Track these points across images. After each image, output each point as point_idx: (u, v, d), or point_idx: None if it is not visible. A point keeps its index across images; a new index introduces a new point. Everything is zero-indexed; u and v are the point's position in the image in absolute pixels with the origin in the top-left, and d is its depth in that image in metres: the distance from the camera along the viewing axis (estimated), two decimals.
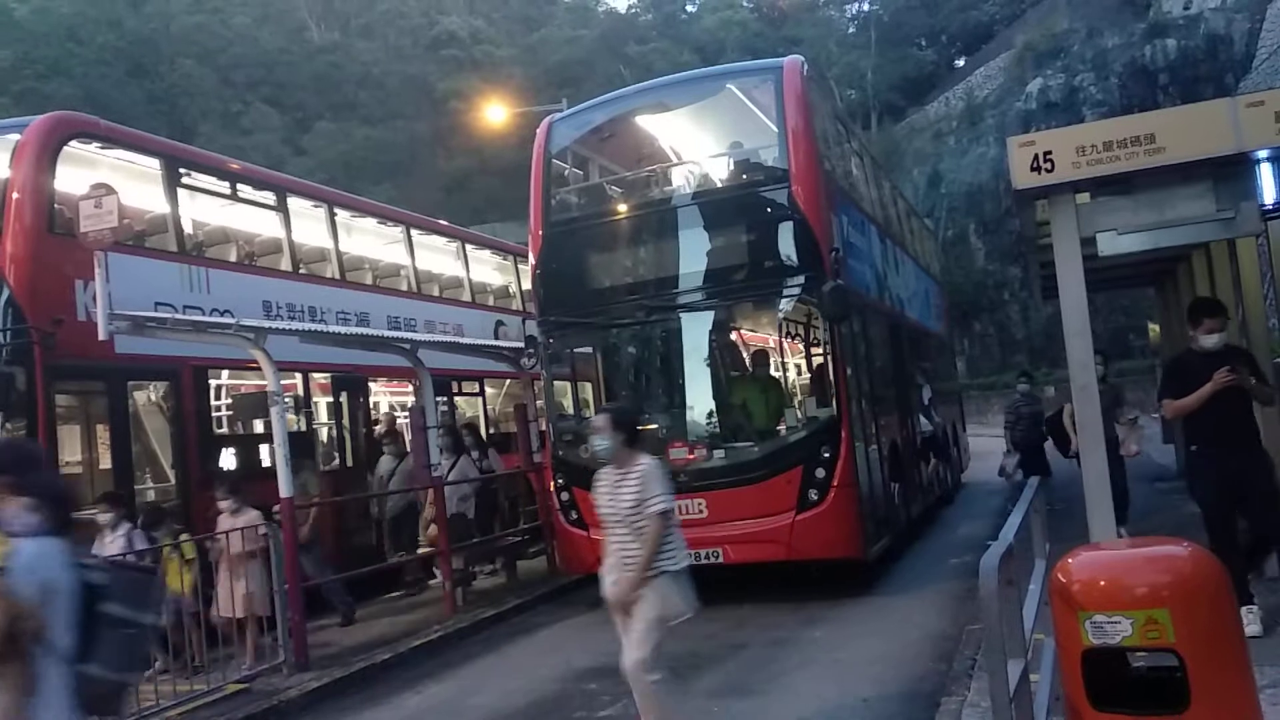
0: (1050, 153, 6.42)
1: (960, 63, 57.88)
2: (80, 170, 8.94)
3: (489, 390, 14.68)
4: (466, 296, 14.65)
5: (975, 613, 5.20)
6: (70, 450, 8.74)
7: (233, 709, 6.80)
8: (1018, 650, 3.51)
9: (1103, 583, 3.13)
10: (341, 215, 12.50)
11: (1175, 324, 12.50)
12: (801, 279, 9.03)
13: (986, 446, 20.53)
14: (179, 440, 9.27)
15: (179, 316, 8.55)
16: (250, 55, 58.31)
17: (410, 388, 12.71)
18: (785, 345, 10.55)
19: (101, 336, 7.49)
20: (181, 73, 54.46)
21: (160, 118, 46.36)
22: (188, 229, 10.13)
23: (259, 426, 10.16)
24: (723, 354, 9.71)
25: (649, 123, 11.34)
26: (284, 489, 7.84)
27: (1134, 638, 2.95)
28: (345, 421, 11.92)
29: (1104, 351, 9.55)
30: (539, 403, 11.27)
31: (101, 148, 9.41)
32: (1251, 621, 5.67)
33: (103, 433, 8.95)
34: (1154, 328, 19.84)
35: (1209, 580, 3.05)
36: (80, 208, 7.41)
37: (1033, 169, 6.46)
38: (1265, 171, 6.53)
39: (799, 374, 10.44)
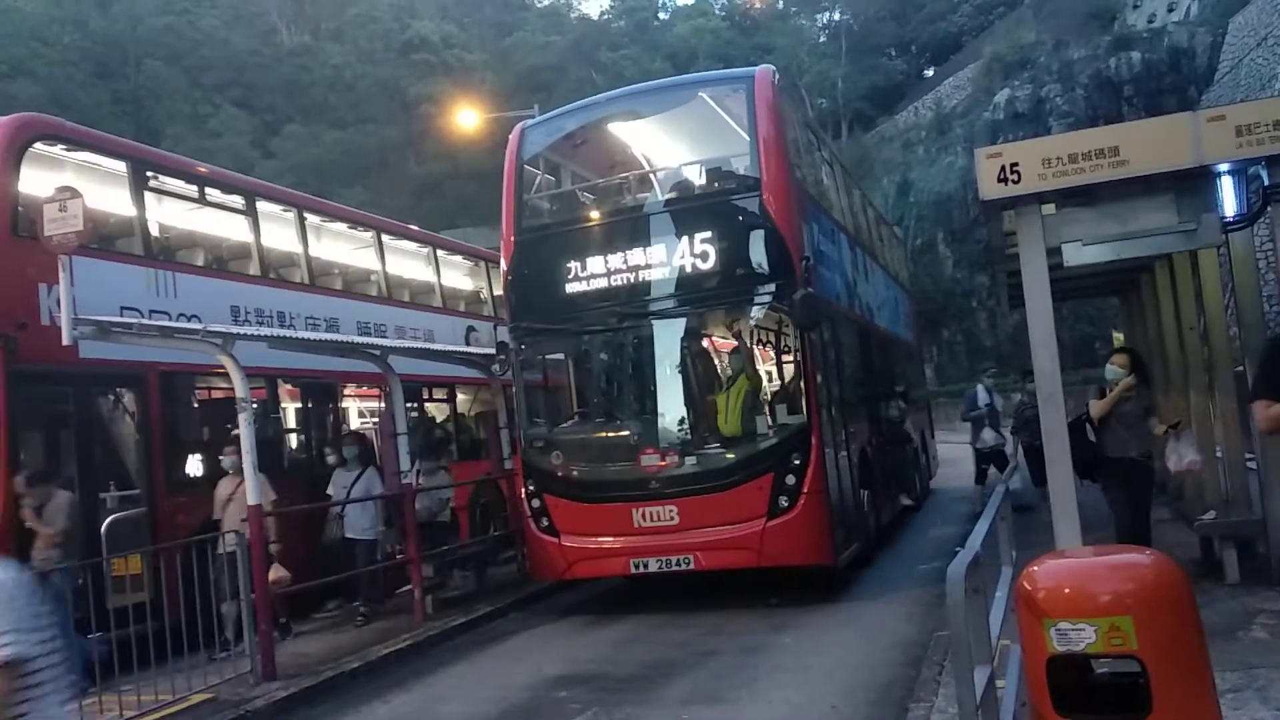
0: (1017, 164, 6.52)
1: (929, 73, 58.55)
2: (45, 172, 8.81)
3: (460, 397, 14.61)
4: (438, 302, 14.58)
5: (943, 619, 5.24)
6: (33, 457, 8.59)
7: (198, 718, 6.72)
8: (984, 657, 3.55)
9: (1067, 590, 3.17)
10: (311, 219, 12.40)
11: (1139, 333, 12.68)
12: (772, 287, 9.08)
13: (954, 453, 20.74)
14: (145, 447, 9.16)
15: (145, 321, 8.46)
16: (219, 58, 57.84)
17: (380, 394, 12.61)
18: (756, 353, 10.61)
19: (65, 341, 7.40)
20: (149, 74, 53.97)
21: (127, 119, 45.90)
22: (154, 232, 10.01)
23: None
24: (694, 361, 9.74)
25: (621, 130, 11.37)
26: (252, 496, 7.77)
27: (1098, 645, 2.99)
28: (313, 428, 11.82)
29: (1132, 350, 8.28)
30: (510, 408, 11.24)
31: (67, 149, 9.27)
32: None
33: (67, 439, 8.81)
34: (1118, 336, 20.09)
35: (1171, 588, 3.10)
36: (44, 211, 7.31)
37: (1000, 180, 6.55)
38: (1226, 184, 6.67)
39: (770, 381, 10.49)
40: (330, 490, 10.14)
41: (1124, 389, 7.47)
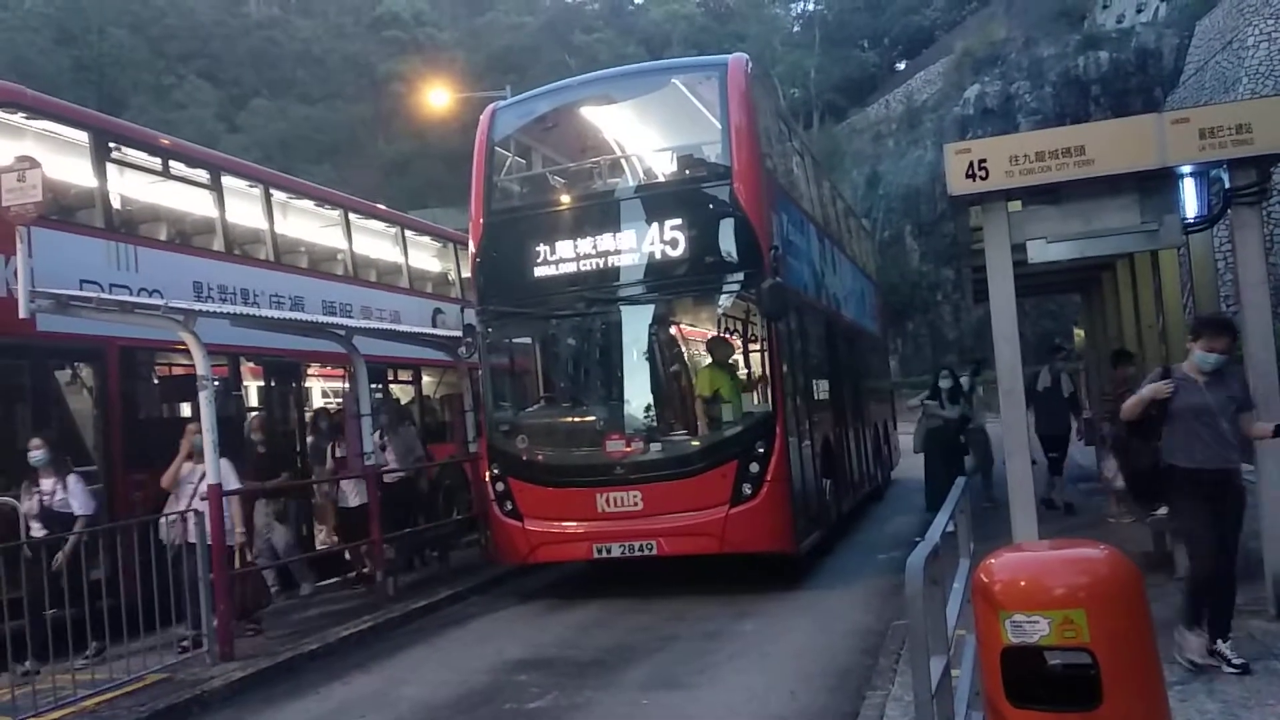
0: (985, 161, 6.59)
1: (901, 66, 58.77)
2: (4, 140, 8.63)
3: (426, 379, 14.53)
4: (405, 283, 14.48)
5: (901, 608, 5.31)
6: None
7: (154, 698, 6.66)
8: (940, 647, 3.61)
9: (1023, 583, 3.23)
10: (277, 196, 12.25)
11: (1099, 329, 12.88)
12: (740, 275, 9.13)
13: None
14: (104, 423, 9.03)
15: (104, 296, 8.32)
16: (184, 27, 56.80)
17: (345, 375, 12.50)
18: (723, 341, 10.64)
19: (23, 314, 7.28)
20: (112, 42, 52.85)
21: (89, 88, 44.97)
22: (116, 205, 9.84)
23: (187, 410, 9.95)
24: (661, 348, 9.76)
25: (593, 114, 11.31)
26: (211, 475, 7.69)
27: (1051, 637, 3.06)
28: (275, 408, 11.71)
29: (1228, 323, 5.72)
30: (476, 392, 11.20)
31: (27, 118, 9.07)
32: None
33: (23, 413, 8.66)
34: (1079, 332, 20.41)
35: (1124, 583, 3.17)
36: (2, 180, 7.16)
37: (968, 176, 6.62)
38: (1188, 186, 6.78)
39: (735, 370, 10.54)
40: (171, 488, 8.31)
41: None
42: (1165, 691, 3.31)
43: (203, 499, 7.81)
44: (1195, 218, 6.95)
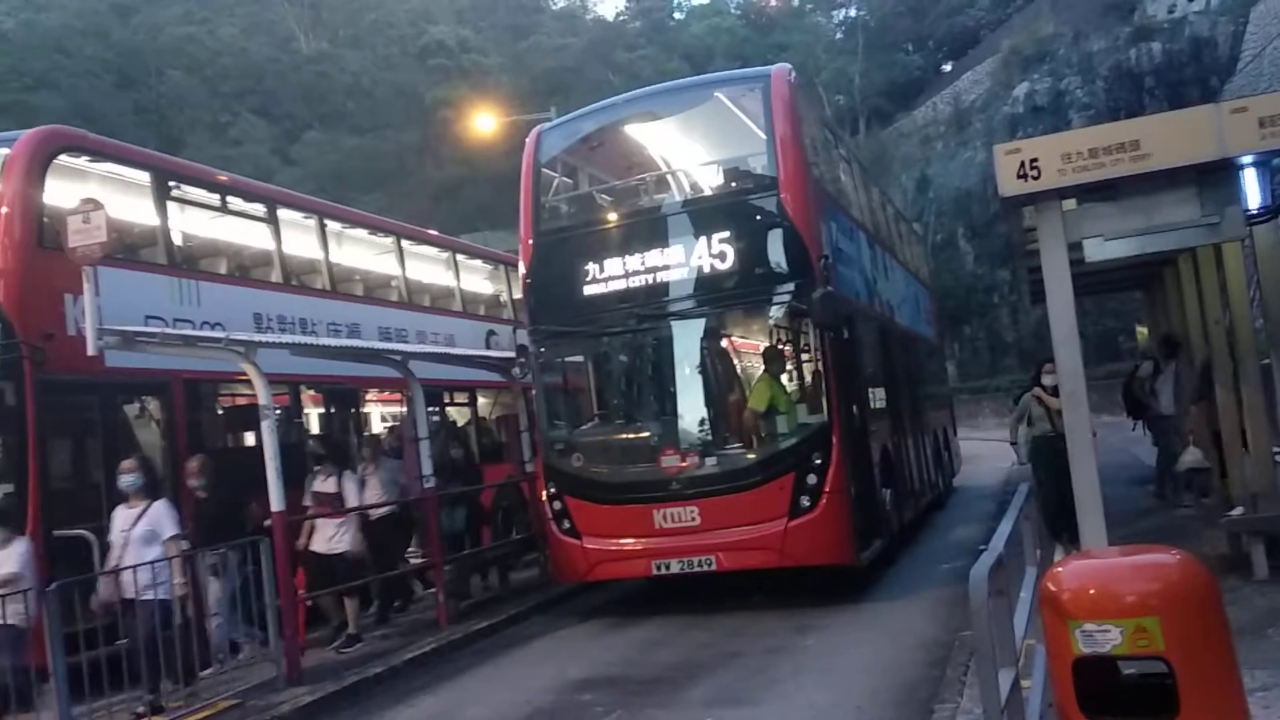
0: (1036, 160, 6.46)
1: (947, 67, 58.06)
2: (69, 183, 8.93)
3: (481, 400, 14.66)
4: (457, 306, 14.65)
5: (968, 618, 5.21)
6: (61, 465, 8.70)
7: None
8: (1009, 658, 3.52)
9: (1092, 591, 3.14)
10: (332, 226, 12.49)
11: (1163, 326, 12.56)
12: (791, 286, 9.08)
13: (977, 450, 20.61)
14: (171, 454, 9.24)
15: (169, 331, 8.54)
16: (238, 66, 58.21)
17: (402, 399, 12.65)
18: (776, 352, 10.58)
19: (91, 351, 7.48)
20: (169, 84, 54.37)
21: (148, 129, 46.28)
22: (178, 241, 10.11)
23: (251, 439, 10.15)
24: (713, 361, 9.74)
25: (638, 131, 11.37)
26: (275, 503, 7.83)
27: (1124, 646, 2.97)
28: (336, 434, 11.89)
29: None
30: (531, 411, 11.27)
31: (91, 161, 9.40)
32: None
33: (94, 447, 8.91)
34: (1142, 330, 19.94)
35: (1198, 588, 3.07)
36: (68, 223, 7.39)
37: (1019, 176, 6.50)
38: (1249, 176, 6.60)
39: (790, 381, 10.47)
40: (111, 536, 7.38)
41: None
42: (1245, 699, 3.19)
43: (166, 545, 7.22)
44: (1258, 209, 6.77)
